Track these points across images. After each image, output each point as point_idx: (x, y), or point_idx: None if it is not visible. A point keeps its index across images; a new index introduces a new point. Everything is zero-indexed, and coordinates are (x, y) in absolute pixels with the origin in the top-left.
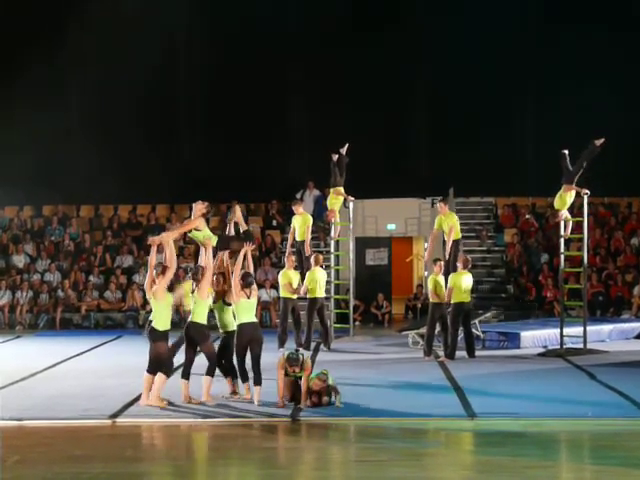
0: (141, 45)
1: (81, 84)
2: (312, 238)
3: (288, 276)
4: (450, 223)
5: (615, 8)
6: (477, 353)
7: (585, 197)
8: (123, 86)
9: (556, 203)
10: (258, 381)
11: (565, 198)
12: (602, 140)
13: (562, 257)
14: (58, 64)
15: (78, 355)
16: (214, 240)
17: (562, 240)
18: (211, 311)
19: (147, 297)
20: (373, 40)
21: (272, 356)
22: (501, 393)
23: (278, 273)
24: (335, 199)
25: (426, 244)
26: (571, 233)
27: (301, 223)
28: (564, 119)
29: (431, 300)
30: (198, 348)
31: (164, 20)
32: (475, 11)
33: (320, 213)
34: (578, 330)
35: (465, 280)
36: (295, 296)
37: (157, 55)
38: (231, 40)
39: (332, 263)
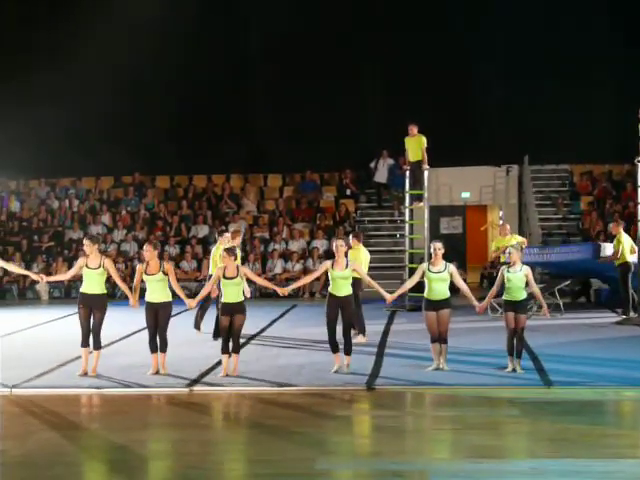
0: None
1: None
2: (386, 207)
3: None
4: None
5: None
6: (552, 322)
7: None
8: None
9: None
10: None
11: None
12: None
13: (639, 225)
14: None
15: None
16: None
17: (639, 207)
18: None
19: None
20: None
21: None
22: (577, 361)
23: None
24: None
25: (501, 212)
26: None
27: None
28: None
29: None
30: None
31: None
32: None
33: (394, 182)
34: None
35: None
36: None
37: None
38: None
39: (407, 232)
